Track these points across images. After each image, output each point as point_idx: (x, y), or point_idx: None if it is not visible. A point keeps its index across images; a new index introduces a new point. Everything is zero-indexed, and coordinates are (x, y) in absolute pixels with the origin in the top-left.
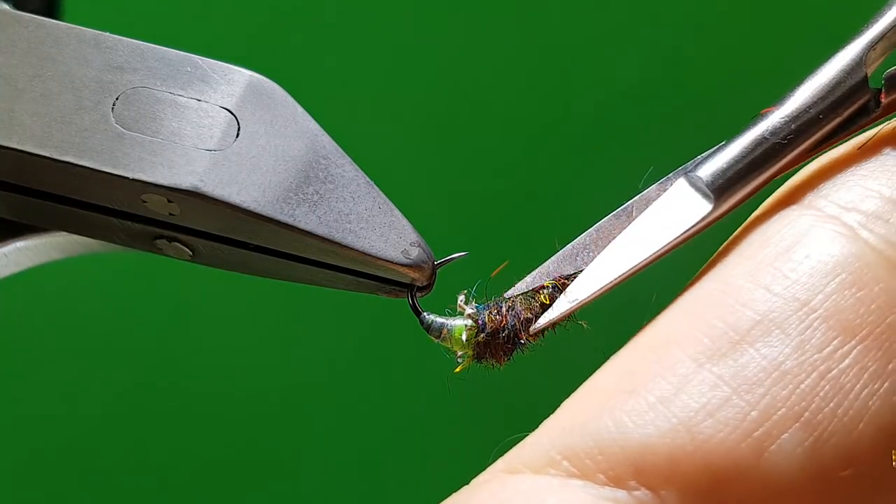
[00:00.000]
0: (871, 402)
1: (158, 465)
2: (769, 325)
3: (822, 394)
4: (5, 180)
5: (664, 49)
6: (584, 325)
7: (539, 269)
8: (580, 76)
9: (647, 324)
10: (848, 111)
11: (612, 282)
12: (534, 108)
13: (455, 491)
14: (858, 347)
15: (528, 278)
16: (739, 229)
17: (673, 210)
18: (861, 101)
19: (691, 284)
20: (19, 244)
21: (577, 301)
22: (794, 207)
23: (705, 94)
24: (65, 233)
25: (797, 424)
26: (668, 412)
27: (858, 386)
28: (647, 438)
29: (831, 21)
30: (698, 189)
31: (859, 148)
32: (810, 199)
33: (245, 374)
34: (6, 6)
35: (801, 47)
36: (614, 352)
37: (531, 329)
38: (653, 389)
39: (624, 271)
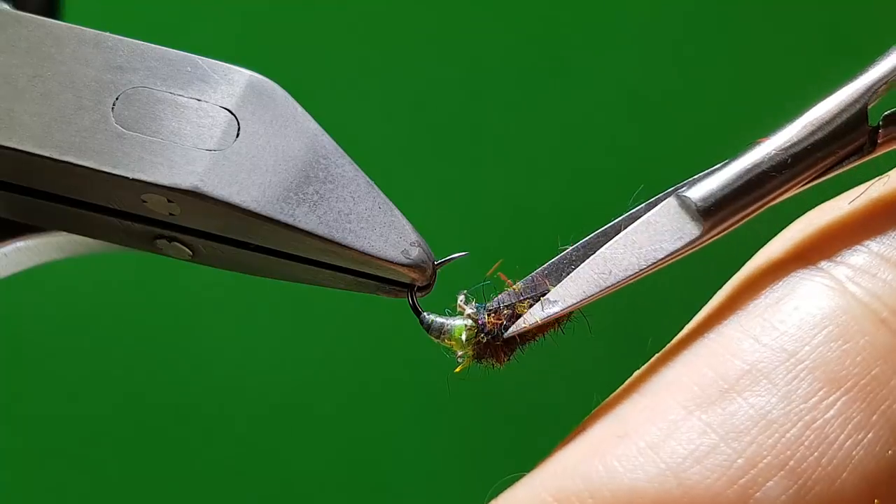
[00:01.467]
0: (854, 452)
1: (158, 464)
2: (757, 374)
3: (807, 443)
4: (5, 180)
5: (666, 53)
6: (563, 333)
7: (524, 279)
8: (580, 76)
9: (639, 368)
10: (844, 146)
11: (589, 297)
12: (534, 107)
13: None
14: (843, 398)
15: (516, 287)
16: (732, 279)
17: (660, 229)
18: (857, 139)
19: (683, 331)
20: (19, 244)
21: (550, 313)
22: (784, 260)
23: (705, 98)
24: (65, 233)
25: (782, 472)
26: (656, 458)
27: (843, 436)
28: (636, 483)
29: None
30: (687, 210)
31: (850, 202)
32: (800, 252)
33: (245, 373)
34: (6, 6)
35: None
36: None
37: (507, 333)
38: (643, 435)
39: (602, 287)
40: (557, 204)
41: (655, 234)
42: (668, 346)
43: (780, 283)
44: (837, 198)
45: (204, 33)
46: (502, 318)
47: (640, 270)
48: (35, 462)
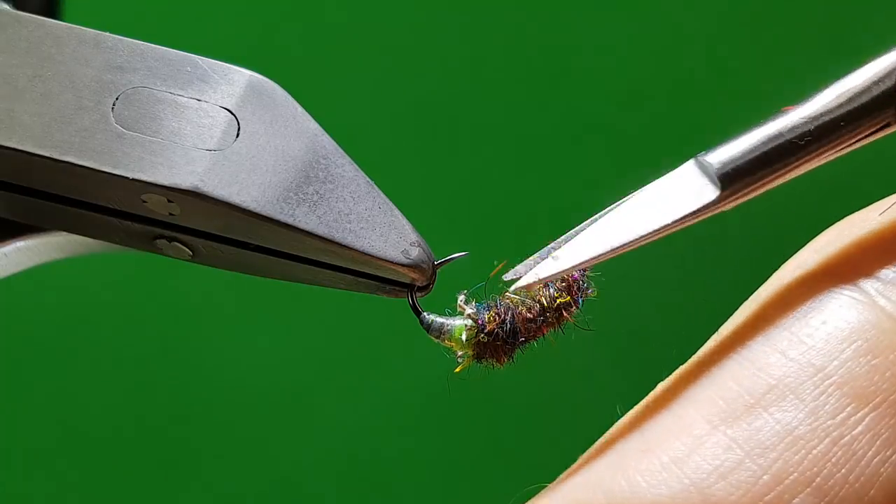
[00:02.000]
0: (882, 469)
1: (158, 464)
2: (784, 389)
3: (834, 459)
4: (5, 180)
5: (666, 52)
6: (563, 333)
7: (536, 254)
8: (581, 76)
9: (663, 381)
10: (872, 122)
11: (598, 256)
12: (534, 107)
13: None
14: (871, 415)
15: (527, 262)
16: (758, 290)
17: (676, 191)
18: (886, 114)
19: (709, 343)
20: (19, 244)
21: (564, 266)
22: (813, 272)
23: (706, 98)
24: (65, 233)
25: (809, 489)
26: (680, 473)
27: (871, 453)
28: (659, 499)
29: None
30: (706, 173)
31: (880, 213)
32: (829, 264)
33: (245, 373)
34: (6, 6)
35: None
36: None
37: (512, 288)
38: (666, 449)
39: (616, 245)
40: (557, 204)
41: (671, 195)
42: (693, 358)
43: (808, 295)
44: (867, 209)
45: (204, 33)
46: (524, 312)
47: (653, 231)
48: (35, 462)
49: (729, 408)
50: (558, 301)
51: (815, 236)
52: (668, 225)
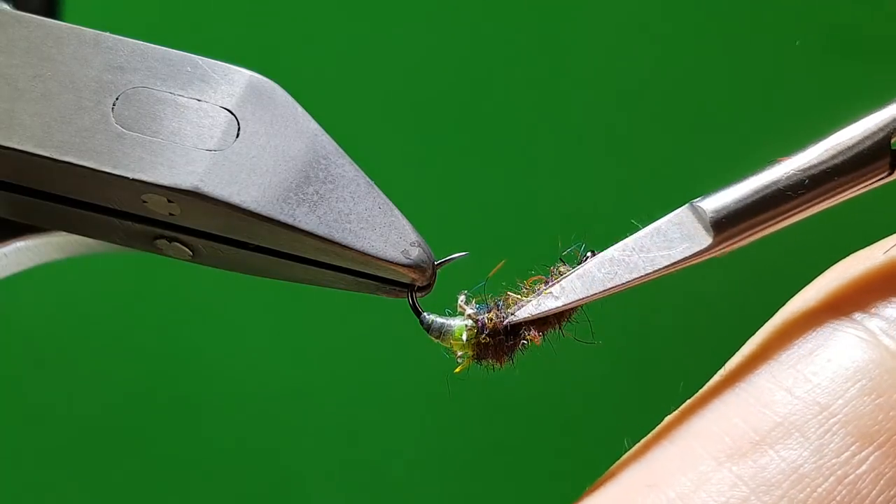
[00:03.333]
0: None
1: (158, 464)
2: (789, 427)
3: (838, 498)
4: (5, 180)
5: (667, 52)
6: (563, 335)
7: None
8: (581, 76)
9: (670, 415)
10: (864, 173)
11: (591, 295)
12: (534, 108)
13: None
14: (876, 454)
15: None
16: (764, 327)
17: (670, 236)
18: (878, 167)
19: (715, 378)
20: (19, 244)
21: (560, 304)
22: (818, 310)
23: (707, 98)
24: (65, 233)
25: None
26: None
27: (875, 492)
28: None
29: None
30: (700, 220)
31: (884, 252)
32: (834, 302)
33: (245, 373)
34: (6, 6)
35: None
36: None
37: (504, 322)
38: (672, 485)
39: (606, 287)
40: (558, 204)
41: (665, 240)
42: (700, 392)
43: (814, 333)
44: (871, 247)
45: (204, 33)
46: (503, 318)
47: (646, 274)
48: (35, 462)
49: (735, 444)
50: None
51: (820, 273)
52: (662, 269)
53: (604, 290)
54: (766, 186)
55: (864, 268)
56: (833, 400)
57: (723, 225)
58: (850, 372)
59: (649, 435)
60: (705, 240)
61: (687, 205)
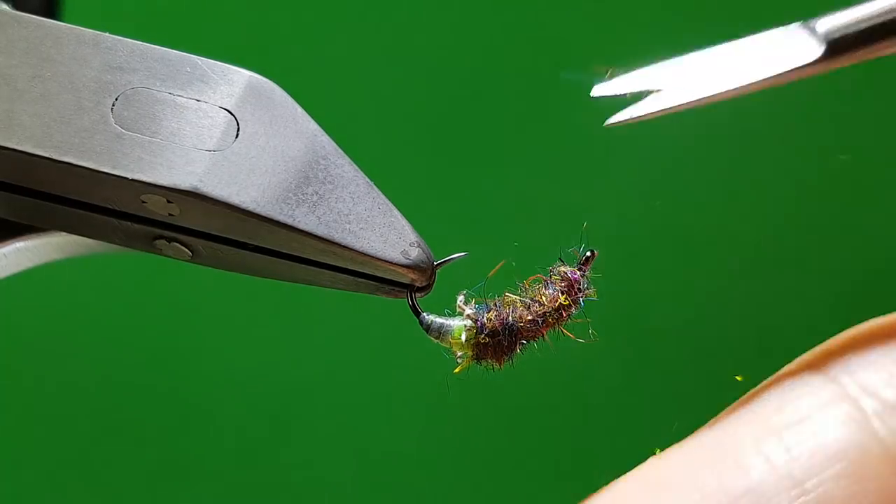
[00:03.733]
0: None
1: (157, 464)
2: (759, 497)
3: None
4: (5, 180)
5: (667, 52)
6: (562, 334)
7: (624, 76)
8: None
9: (651, 458)
10: None
11: (706, 96)
12: (534, 108)
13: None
14: None
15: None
16: (759, 387)
17: (780, 46)
18: None
19: (703, 428)
20: (19, 244)
21: (665, 105)
22: (817, 376)
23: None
24: (65, 233)
25: None
26: None
27: None
28: None
29: None
30: (812, 35)
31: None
32: (836, 371)
33: (245, 373)
34: (6, 6)
35: None
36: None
37: (615, 120)
38: None
39: (715, 92)
40: (557, 204)
41: (775, 49)
42: (686, 440)
43: (806, 401)
44: (880, 318)
45: (204, 33)
46: (524, 313)
47: (754, 82)
48: (35, 462)
49: (703, 502)
50: (558, 301)
51: (822, 341)
52: (769, 78)
53: (715, 94)
54: (886, 12)
55: (868, 342)
56: (808, 477)
57: (834, 41)
58: (832, 451)
59: (625, 476)
60: (814, 52)
61: (799, 23)
